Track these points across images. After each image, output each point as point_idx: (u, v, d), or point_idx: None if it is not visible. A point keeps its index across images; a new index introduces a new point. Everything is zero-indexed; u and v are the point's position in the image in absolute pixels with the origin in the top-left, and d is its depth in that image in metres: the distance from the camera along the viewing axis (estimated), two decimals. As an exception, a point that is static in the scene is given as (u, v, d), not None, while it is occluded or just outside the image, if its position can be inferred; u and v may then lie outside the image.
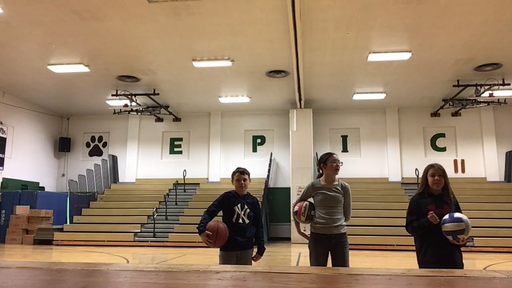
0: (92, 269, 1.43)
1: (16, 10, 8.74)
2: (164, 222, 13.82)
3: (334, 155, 3.92)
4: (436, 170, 3.55)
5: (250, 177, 4.06)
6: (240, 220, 3.86)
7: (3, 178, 14.65)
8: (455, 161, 15.92)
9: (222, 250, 3.85)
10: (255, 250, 4.02)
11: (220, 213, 4.02)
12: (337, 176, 3.97)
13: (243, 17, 9.03)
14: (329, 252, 3.79)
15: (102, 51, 10.92)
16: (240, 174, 3.98)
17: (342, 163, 3.97)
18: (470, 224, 3.21)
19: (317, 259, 3.76)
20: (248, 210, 3.91)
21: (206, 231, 3.63)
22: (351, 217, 4.01)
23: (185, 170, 16.19)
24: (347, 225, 3.95)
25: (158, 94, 14.29)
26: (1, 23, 9.28)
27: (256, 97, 14.94)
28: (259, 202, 4.08)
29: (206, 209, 3.97)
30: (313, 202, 3.97)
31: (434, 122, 16.24)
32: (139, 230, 13.50)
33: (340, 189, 3.86)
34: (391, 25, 9.33)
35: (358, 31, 9.63)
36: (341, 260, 3.73)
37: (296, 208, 3.97)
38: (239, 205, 3.90)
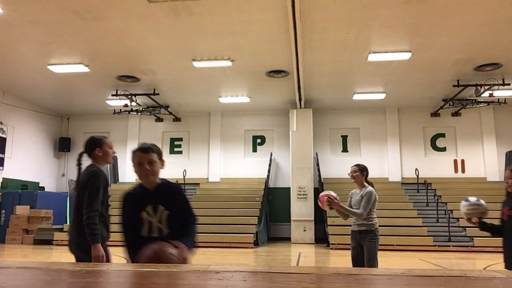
0: (92, 269, 1.43)
1: (16, 10, 8.74)
2: (164, 222, 13.82)
3: (351, 167, 4.76)
4: (508, 173, 3.89)
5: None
6: (155, 233, 2.46)
7: (3, 178, 14.65)
8: (455, 161, 15.92)
9: None
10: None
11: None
12: (362, 183, 4.72)
13: (243, 17, 9.03)
14: (360, 245, 4.54)
15: (102, 51, 10.92)
16: (143, 153, 2.50)
17: (350, 172, 4.71)
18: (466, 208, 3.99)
19: (351, 250, 4.64)
20: (166, 212, 2.49)
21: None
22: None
23: (185, 170, 16.19)
24: (348, 226, 4.63)
25: (158, 94, 14.30)
26: (1, 23, 9.28)
27: (256, 97, 14.94)
28: (182, 190, 2.71)
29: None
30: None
31: (434, 122, 16.24)
32: (139, 230, 13.49)
33: (363, 194, 4.56)
34: (391, 25, 9.33)
35: (358, 31, 9.63)
36: (366, 253, 4.45)
37: (320, 198, 4.59)
38: (149, 209, 2.49)
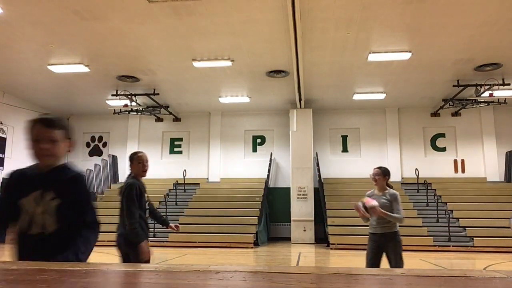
0: (92, 269, 1.43)
1: (16, 10, 8.74)
2: (164, 222, 13.82)
3: (373, 169, 4.78)
4: None
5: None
6: (37, 228, 1.89)
7: (3, 178, 14.66)
8: (455, 161, 15.92)
9: None
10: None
11: None
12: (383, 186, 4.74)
13: (243, 17, 9.03)
14: (380, 247, 4.54)
15: (102, 51, 10.92)
16: (43, 127, 1.88)
17: (372, 175, 4.73)
18: None
19: (367, 252, 4.63)
20: (55, 201, 1.88)
21: None
22: (396, 218, 4.55)
23: (185, 170, 16.19)
24: (365, 225, 4.71)
25: (158, 94, 14.30)
26: (1, 23, 9.28)
27: (256, 97, 14.95)
28: (84, 180, 2.00)
29: None
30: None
31: (434, 122, 16.24)
32: (139, 230, 13.49)
33: (388, 196, 4.57)
34: (391, 25, 9.33)
35: (358, 31, 9.63)
36: (394, 256, 4.48)
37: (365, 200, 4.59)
38: (34, 195, 1.88)
